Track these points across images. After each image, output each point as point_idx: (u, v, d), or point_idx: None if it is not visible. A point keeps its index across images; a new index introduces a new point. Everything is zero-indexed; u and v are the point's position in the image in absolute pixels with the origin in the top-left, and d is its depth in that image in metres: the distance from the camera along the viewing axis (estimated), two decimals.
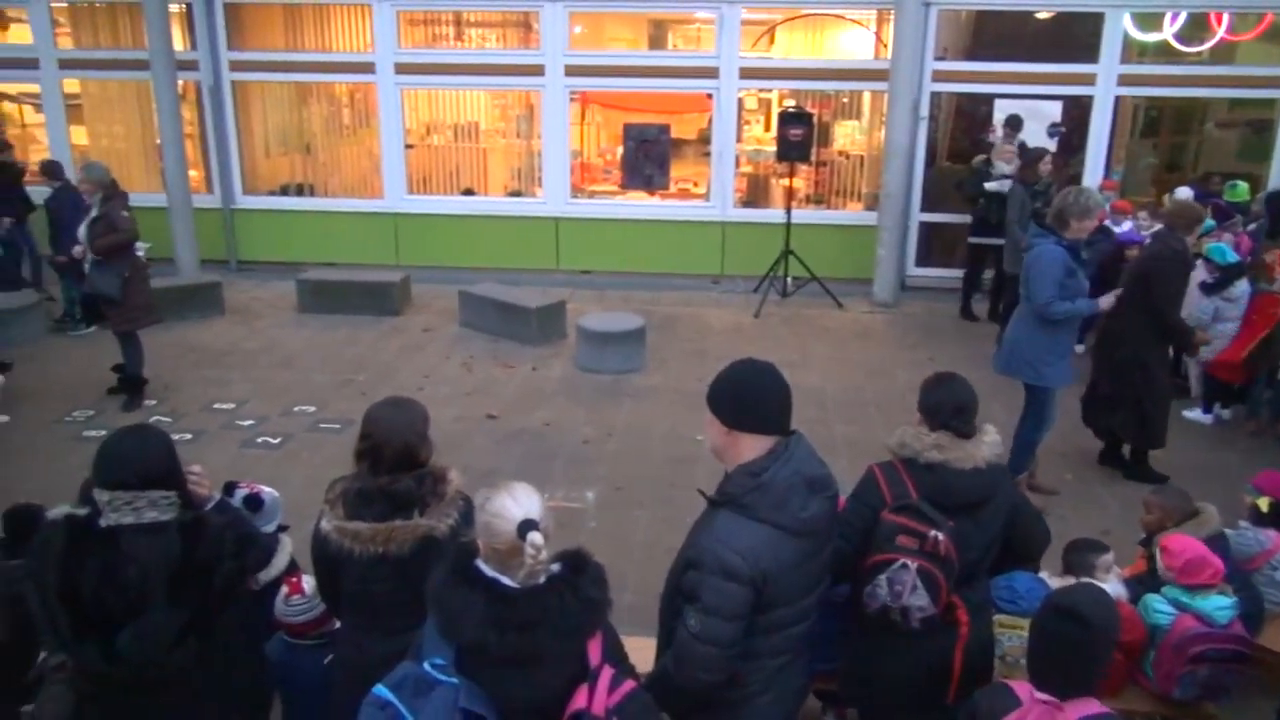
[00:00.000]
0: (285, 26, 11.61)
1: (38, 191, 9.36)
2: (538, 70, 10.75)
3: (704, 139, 11.59)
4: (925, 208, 10.69)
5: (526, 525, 2.19)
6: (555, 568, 2.26)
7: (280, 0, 11.19)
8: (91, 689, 2.60)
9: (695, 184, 11.79)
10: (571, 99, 11.07)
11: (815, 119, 10.25)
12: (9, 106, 13.09)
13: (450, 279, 10.48)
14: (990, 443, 3.06)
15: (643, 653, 2.67)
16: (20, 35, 11.74)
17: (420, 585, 2.65)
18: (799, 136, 9.64)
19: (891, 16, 10.03)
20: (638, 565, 5.11)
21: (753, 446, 2.52)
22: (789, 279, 10.25)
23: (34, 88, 11.85)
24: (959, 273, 10.05)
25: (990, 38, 10.73)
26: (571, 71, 10.77)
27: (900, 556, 2.83)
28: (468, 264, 11.03)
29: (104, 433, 6.77)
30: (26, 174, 9.92)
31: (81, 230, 6.97)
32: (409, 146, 11.39)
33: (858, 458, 6.06)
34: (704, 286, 10.89)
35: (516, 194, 11.69)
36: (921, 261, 10.88)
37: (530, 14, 10.96)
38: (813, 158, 10.61)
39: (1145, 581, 3.76)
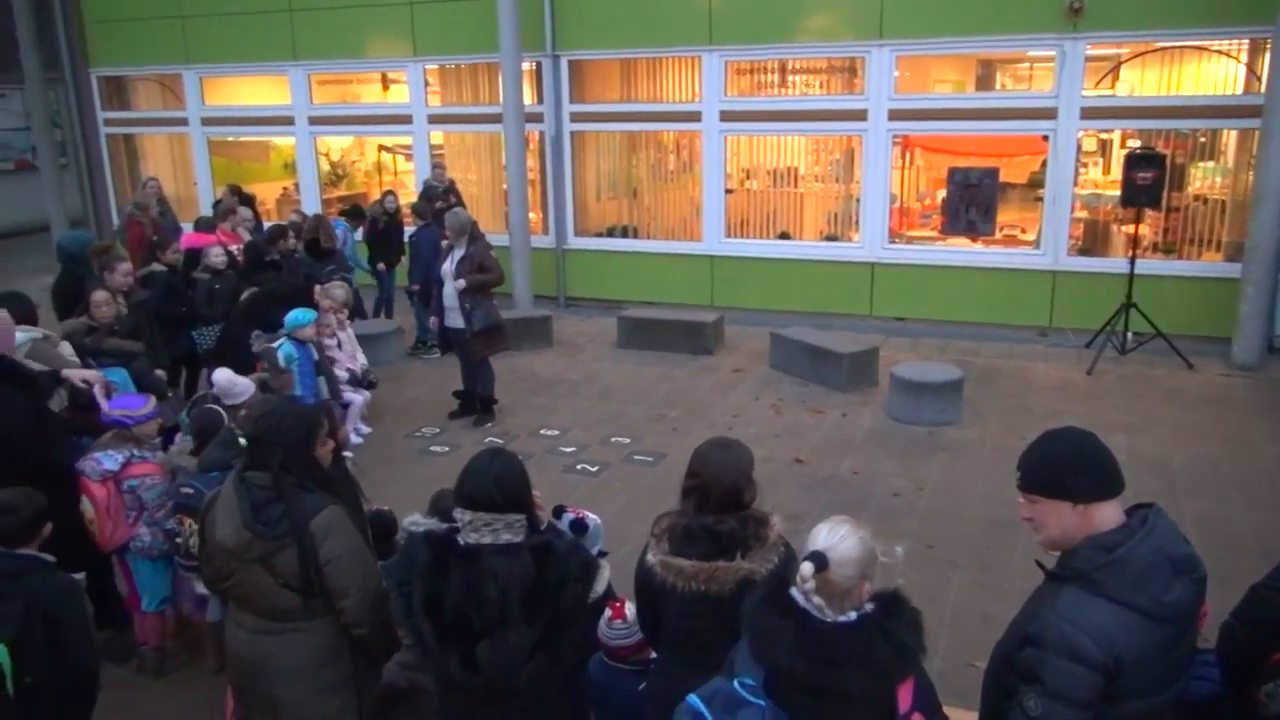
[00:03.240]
0: (621, 79, 12.41)
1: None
2: (861, 115, 10.69)
3: (1035, 183, 10.94)
4: None
5: (813, 555, 2.23)
6: (869, 607, 2.27)
7: (618, 56, 11.95)
8: (444, 690, 2.84)
9: (1023, 230, 11.13)
10: (894, 143, 10.88)
11: (1167, 161, 9.35)
12: (385, 156, 15.03)
13: (762, 321, 10.63)
14: None
15: None
16: (398, 95, 13.44)
17: (739, 627, 2.69)
18: (1148, 180, 8.81)
19: (1269, 45, 8.96)
20: (949, 629, 4.84)
21: (1101, 517, 2.31)
22: (1129, 334, 9.37)
23: (406, 140, 13.52)
24: None
25: None
26: (895, 115, 10.60)
27: None
28: (780, 307, 11.13)
29: (447, 449, 7.55)
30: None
31: (447, 266, 7.79)
32: (728, 191, 11.72)
33: (1212, 539, 5.43)
34: (1029, 339, 10.22)
35: (832, 238, 11.65)
36: None
37: (855, 59, 10.94)
38: (1163, 202, 9.65)
39: None
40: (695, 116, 11.47)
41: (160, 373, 6.74)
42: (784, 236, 11.78)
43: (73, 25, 14.56)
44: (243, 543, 2.99)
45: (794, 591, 2.27)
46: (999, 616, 2.66)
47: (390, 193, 11.20)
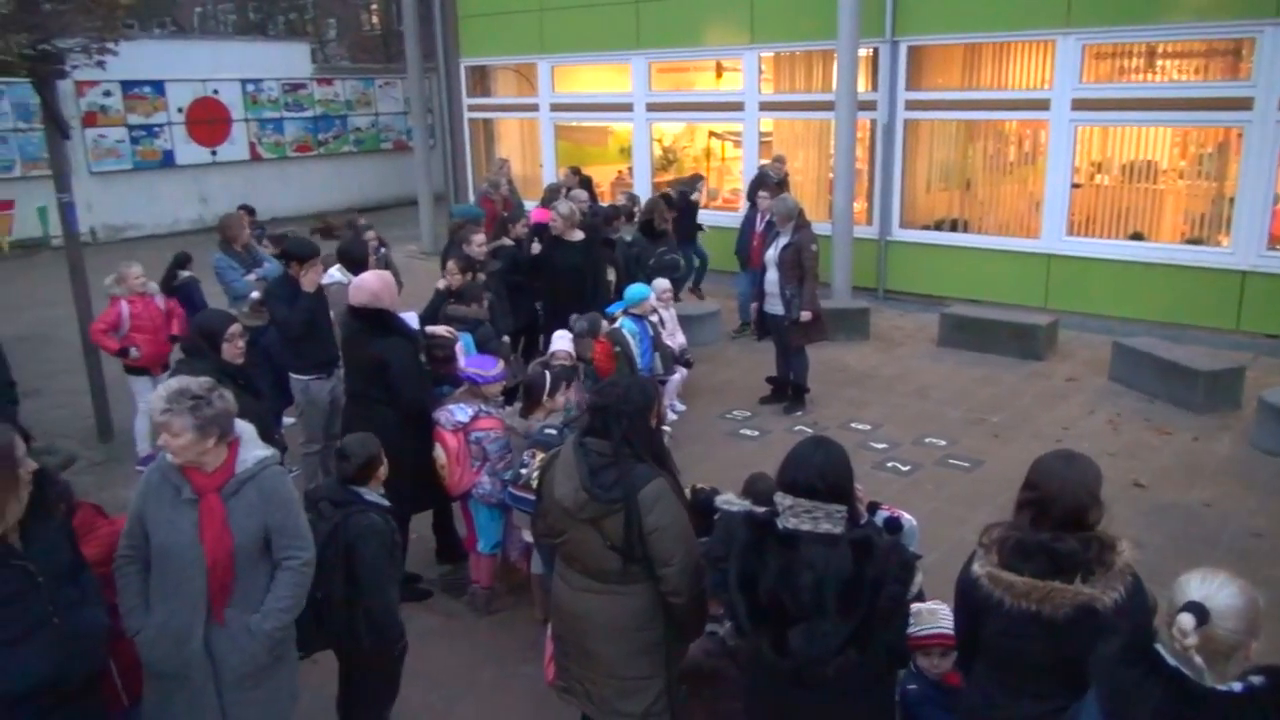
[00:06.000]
0: (963, 66, 11.80)
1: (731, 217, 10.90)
2: (1245, 104, 9.41)
3: None
4: None
5: (1191, 606, 1.98)
6: (1257, 680, 1.97)
7: (962, 40, 11.37)
8: (751, 669, 2.87)
9: None
10: None
11: None
12: (713, 142, 15.36)
13: (1103, 328, 9.79)
14: None
15: None
16: (731, 82, 13.67)
17: (1072, 654, 2.48)
18: None
19: None
20: None
21: None
22: None
23: (737, 126, 13.71)
24: None
25: None
26: None
27: None
28: (1125, 314, 10.15)
29: (757, 433, 7.63)
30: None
31: (771, 252, 7.86)
32: (1075, 185, 10.82)
33: None
34: None
35: (1195, 241, 10.40)
36: None
37: (1242, 41, 9.66)
38: None
39: None
40: (1044, 105, 10.67)
41: (506, 339, 7.36)
42: (1137, 237, 10.69)
43: (449, 20, 16.22)
44: (579, 503, 3.17)
45: (1159, 646, 2.04)
46: None
47: (701, 177, 11.42)
